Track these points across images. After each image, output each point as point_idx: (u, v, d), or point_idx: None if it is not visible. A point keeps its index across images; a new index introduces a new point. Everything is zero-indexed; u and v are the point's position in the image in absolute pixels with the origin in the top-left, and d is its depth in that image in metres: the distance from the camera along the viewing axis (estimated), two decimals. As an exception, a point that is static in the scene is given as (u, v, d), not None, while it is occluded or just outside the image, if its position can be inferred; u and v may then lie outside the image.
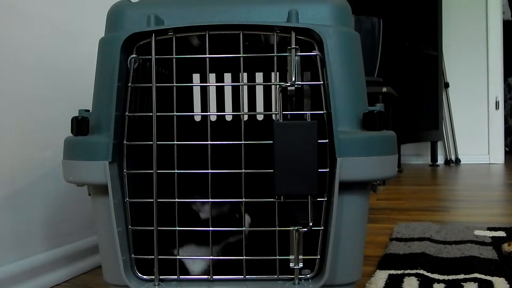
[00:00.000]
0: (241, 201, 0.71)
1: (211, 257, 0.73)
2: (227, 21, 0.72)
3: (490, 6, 3.90)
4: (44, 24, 1.00)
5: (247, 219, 0.83)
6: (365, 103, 0.74)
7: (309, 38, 0.71)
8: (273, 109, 1.17)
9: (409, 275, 0.95)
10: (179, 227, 0.73)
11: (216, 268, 0.75)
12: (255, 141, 0.71)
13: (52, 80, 1.02)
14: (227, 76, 1.19)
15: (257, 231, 0.73)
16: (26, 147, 0.94)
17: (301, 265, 0.70)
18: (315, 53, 0.71)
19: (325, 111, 0.71)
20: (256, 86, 1.23)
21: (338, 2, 0.73)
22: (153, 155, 0.71)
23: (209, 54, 0.71)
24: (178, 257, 0.73)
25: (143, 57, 0.73)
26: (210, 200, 0.73)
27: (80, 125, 0.72)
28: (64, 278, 1.01)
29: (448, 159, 3.92)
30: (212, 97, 1.11)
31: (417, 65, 3.57)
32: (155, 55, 0.70)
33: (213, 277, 0.73)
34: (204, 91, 1.09)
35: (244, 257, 0.72)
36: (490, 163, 3.89)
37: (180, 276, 0.73)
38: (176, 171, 0.73)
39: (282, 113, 0.70)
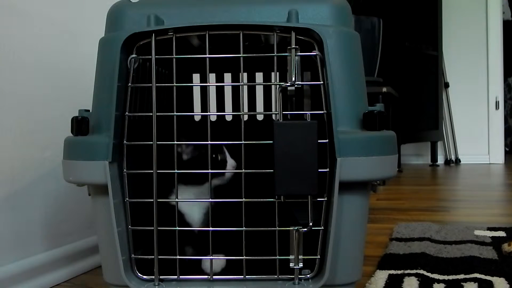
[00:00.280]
0: (241, 201, 0.71)
1: (211, 257, 0.73)
2: (227, 21, 0.72)
3: (490, 6, 3.90)
4: (44, 24, 1.00)
5: (231, 162, 0.82)
6: (365, 103, 0.74)
7: (309, 38, 0.71)
8: (273, 109, 1.17)
9: (409, 275, 0.95)
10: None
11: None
12: (255, 141, 0.71)
13: (52, 80, 1.01)
14: (227, 76, 1.19)
15: (255, 227, 0.73)
16: (26, 147, 0.94)
17: (301, 265, 0.70)
18: (315, 53, 0.71)
19: (325, 111, 0.71)
20: (256, 86, 1.23)
21: (338, 2, 0.73)
22: (153, 155, 0.71)
23: (209, 54, 0.71)
24: (178, 257, 0.73)
25: (143, 57, 0.73)
26: (211, 200, 0.73)
27: (80, 125, 0.72)
28: (64, 278, 1.01)
29: (448, 159, 3.92)
30: (212, 97, 1.11)
31: (417, 65, 3.57)
32: (155, 55, 0.70)
33: (213, 277, 0.73)
34: (204, 91, 1.09)
35: (244, 257, 0.72)
36: (490, 163, 3.89)
37: (180, 276, 0.73)
38: (176, 171, 0.73)
39: (282, 113, 0.70)
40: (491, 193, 2.23)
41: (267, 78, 1.15)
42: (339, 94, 0.70)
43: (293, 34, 0.70)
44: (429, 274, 0.95)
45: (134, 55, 0.71)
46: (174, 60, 0.72)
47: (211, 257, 0.73)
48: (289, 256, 0.70)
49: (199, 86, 1.17)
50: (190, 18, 0.73)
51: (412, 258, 1.07)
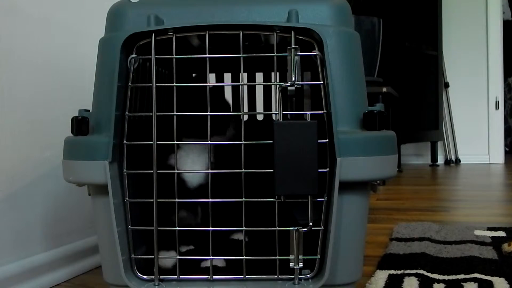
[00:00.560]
0: (241, 201, 0.71)
1: (211, 257, 0.73)
2: (227, 21, 0.72)
3: (490, 6, 3.90)
4: (44, 24, 1.00)
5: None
6: (365, 103, 0.74)
7: (309, 38, 0.71)
8: (273, 109, 1.17)
9: (409, 275, 0.95)
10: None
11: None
12: (255, 141, 0.71)
13: (52, 80, 1.02)
14: (227, 76, 1.19)
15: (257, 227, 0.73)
16: (26, 147, 0.94)
17: (301, 265, 0.70)
18: (315, 53, 0.71)
19: (325, 111, 0.71)
20: (256, 86, 1.23)
21: (338, 2, 0.73)
22: (153, 155, 0.71)
23: (209, 54, 0.71)
24: (178, 257, 0.73)
25: (143, 57, 0.73)
26: (210, 200, 0.73)
27: (80, 125, 0.72)
28: (64, 278, 1.01)
29: (448, 159, 3.92)
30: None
31: (417, 65, 3.57)
32: (155, 55, 0.70)
33: (213, 277, 0.73)
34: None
35: (244, 257, 0.72)
36: (490, 163, 3.89)
37: (180, 276, 0.73)
38: (176, 170, 0.73)
39: (282, 113, 0.70)
40: (491, 193, 2.23)
41: (267, 78, 1.15)
42: (339, 94, 0.70)
43: (293, 34, 0.70)
44: (429, 274, 0.95)
45: (134, 55, 0.71)
46: (174, 60, 0.72)
47: (211, 257, 0.73)
48: (289, 256, 0.70)
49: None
50: (190, 18, 0.73)
51: (412, 258, 1.07)
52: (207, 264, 0.74)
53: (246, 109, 1.22)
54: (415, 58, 3.55)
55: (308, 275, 0.72)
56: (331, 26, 0.71)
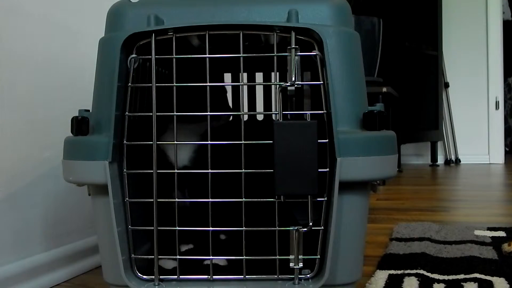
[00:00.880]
0: (241, 201, 0.71)
1: (211, 257, 0.73)
2: (227, 21, 0.72)
3: (490, 6, 3.90)
4: (44, 24, 1.00)
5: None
6: (365, 103, 0.74)
7: (309, 38, 0.71)
8: (273, 109, 1.17)
9: (409, 275, 0.95)
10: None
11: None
12: (255, 141, 0.71)
13: (52, 80, 1.01)
14: (227, 76, 1.19)
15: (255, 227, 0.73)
16: (26, 147, 0.94)
17: (301, 265, 0.70)
18: (315, 53, 0.71)
19: (325, 111, 0.71)
20: (256, 86, 1.23)
21: (338, 2, 0.73)
22: (153, 155, 0.71)
23: (209, 54, 0.71)
24: (178, 257, 0.73)
25: (143, 57, 0.73)
26: (210, 200, 0.73)
27: (80, 125, 0.72)
28: (64, 278, 1.01)
29: (448, 159, 3.92)
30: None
31: (417, 65, 3.57)
32: (155, 55, 0.70)
33: (213, 277, 0.73)
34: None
35: (244, 257, 0.72)
36: (490, 163, 3.89)
37: (180, 276, 0.73)
38: (176, 171, 0.73)
39: (282, 113, 0.70)
40: (491, 193, 2.23)
41: (267, 78, 1.15)
42: (339, 94, 0.70)
43: (293, 34, 0.70)
44: (429, 274, 0.95)
45: (134, 55, 0.71)
46: (174, 60, 0.72)
47: (211, 257, 0.73)
48: (289, 256, 0.70)
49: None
50: (190, 18, 0.73)
51: (412, 258, 1.07)
52: (209, 262, 0.74)
53: (246, 109, 1.22)
54: (415, 58, 3.55)
55: (308, 275, 0.72)
56: (331, 26, 0.71)
